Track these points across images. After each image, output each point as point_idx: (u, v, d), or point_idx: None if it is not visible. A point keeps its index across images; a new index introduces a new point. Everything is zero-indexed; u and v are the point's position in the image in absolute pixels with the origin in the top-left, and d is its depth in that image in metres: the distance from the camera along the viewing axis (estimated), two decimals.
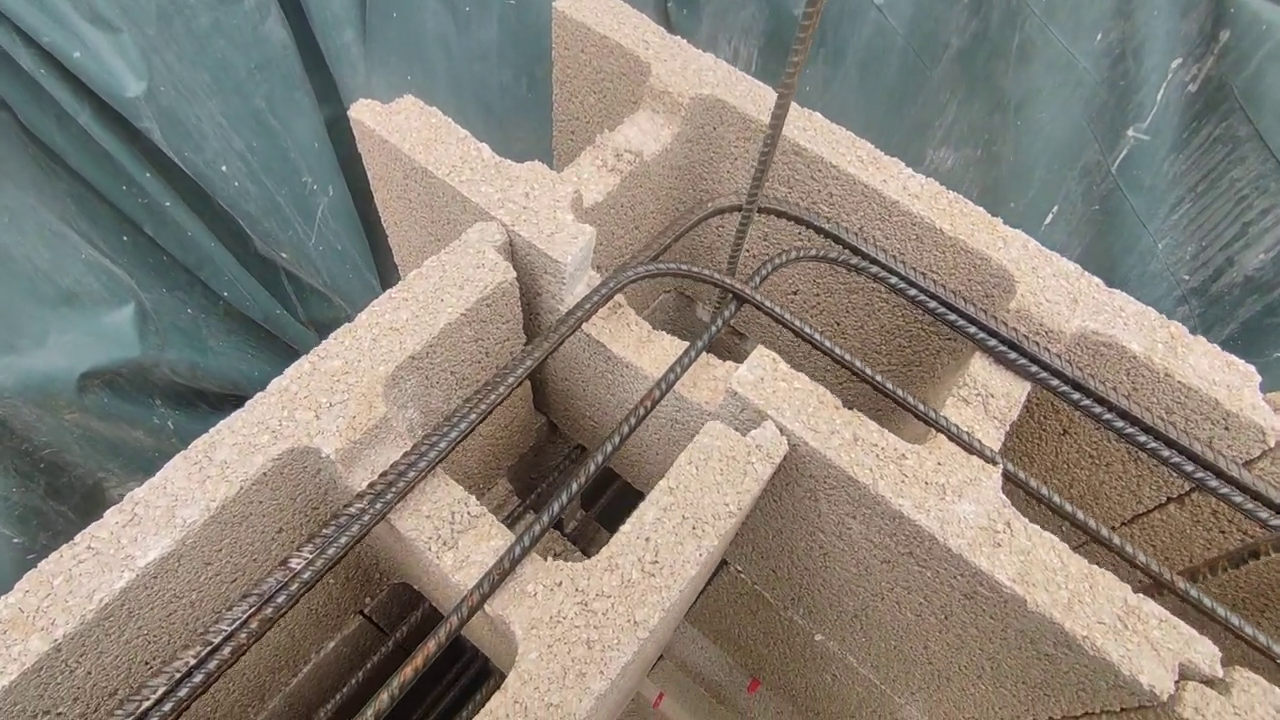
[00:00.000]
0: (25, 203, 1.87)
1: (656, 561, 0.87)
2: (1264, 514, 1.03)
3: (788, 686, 1.75)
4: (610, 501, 2.18)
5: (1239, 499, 1.03)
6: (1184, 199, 2.19)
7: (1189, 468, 1.06)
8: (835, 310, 1.49)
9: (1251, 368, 1.11)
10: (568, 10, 1.39)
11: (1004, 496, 0.96)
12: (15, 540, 2.09)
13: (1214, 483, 1.05)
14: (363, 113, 1.21)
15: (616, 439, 0.99)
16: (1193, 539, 1.27)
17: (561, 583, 0.86)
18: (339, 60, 2.29)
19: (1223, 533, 1.23)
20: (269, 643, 1.15)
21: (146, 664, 0.92)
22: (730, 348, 1.84)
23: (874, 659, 1.31)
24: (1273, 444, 1.07)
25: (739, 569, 1.43)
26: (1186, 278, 2.32)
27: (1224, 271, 2.24)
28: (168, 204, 2.10)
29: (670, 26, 2.65)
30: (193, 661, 0.81)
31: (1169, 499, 1.26)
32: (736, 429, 1.04)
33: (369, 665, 1.37)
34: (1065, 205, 2.32)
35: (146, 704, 0.78)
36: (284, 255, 2.39)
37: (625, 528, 0.90)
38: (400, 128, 1.19)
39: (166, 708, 0.78)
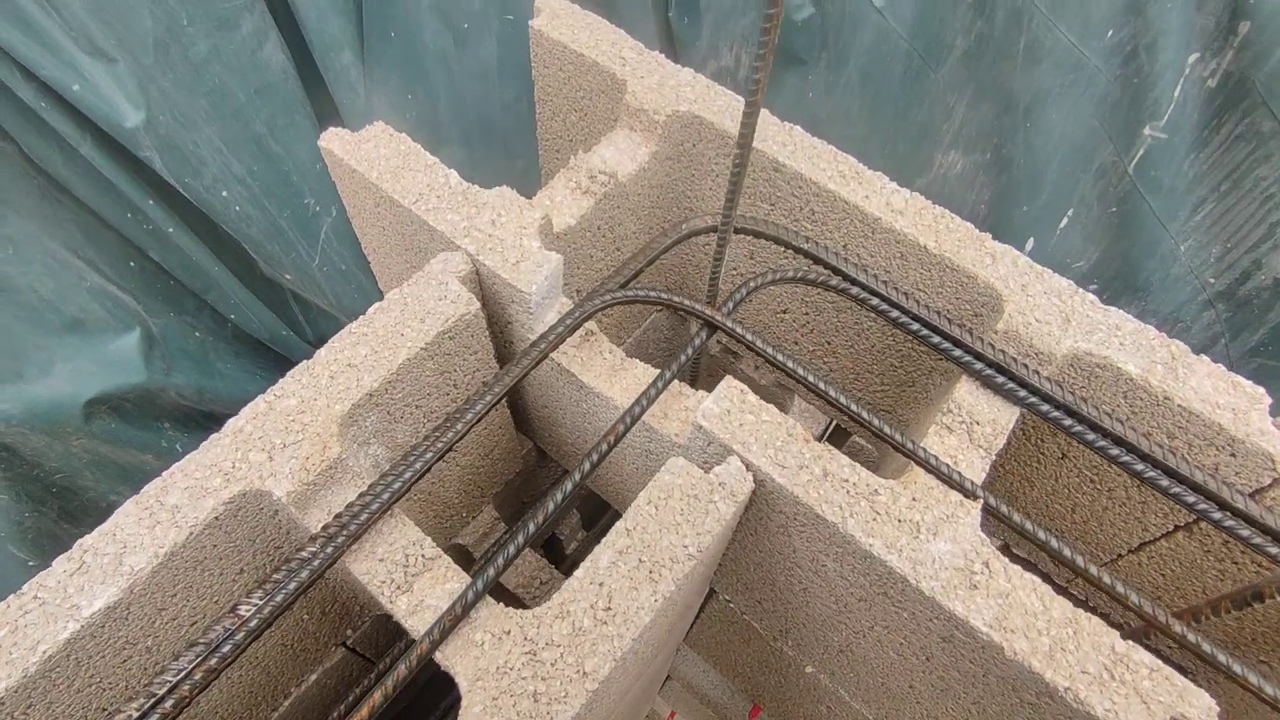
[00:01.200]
0: (29, 233, 1.91)
1: (610, 609, 0.84)
2: (1273, 549, 0.96)
3: (786, 715, 1.70)
4: (611, 522, 2.15)
5: (1245, 532, 0.97)
6: (1206, 199, 2.09)
7: (1190, 498, 0.99)
8: (825, 329, 1.44)
9: (1261, 390, 1.04)
10: (544, 28, 1.37)
11: (983, 535, 0.91)
12: (30, 564, 2.14)
13: (1217, 514, 0.98)
14: (332, 142, 1.20)
15: (578, 475, 0.96)
16: (1204, 569, 1.20)
17: (510, 630, 0.83)
18: (338, 82, 2.30)
19: (1235, 564, 1.15)
20: (241, 681, 1.14)
21: (103, 710, 0.92)
22: (727, 367, 1.80)
23: (864, 694, 1.26)
24: None
25: (727, 599, 1.39)
26: (1212, 281, 2.21)
27: (1251, 274, 2.14)
28: (171, 230, 2.13)
29: (672, 35, 2.62)
30: (135, 715, 0.80)
31: (1176, 527, 1.18)
32: (705, 463, 1.01)
33: (352, 696, 1.36)
34: (1081, 208, 2.23)
35: None
36: (288, 277, 2.41)
37: (579, 572, 0.86)
38: (368, 156, 1.18)
39: None
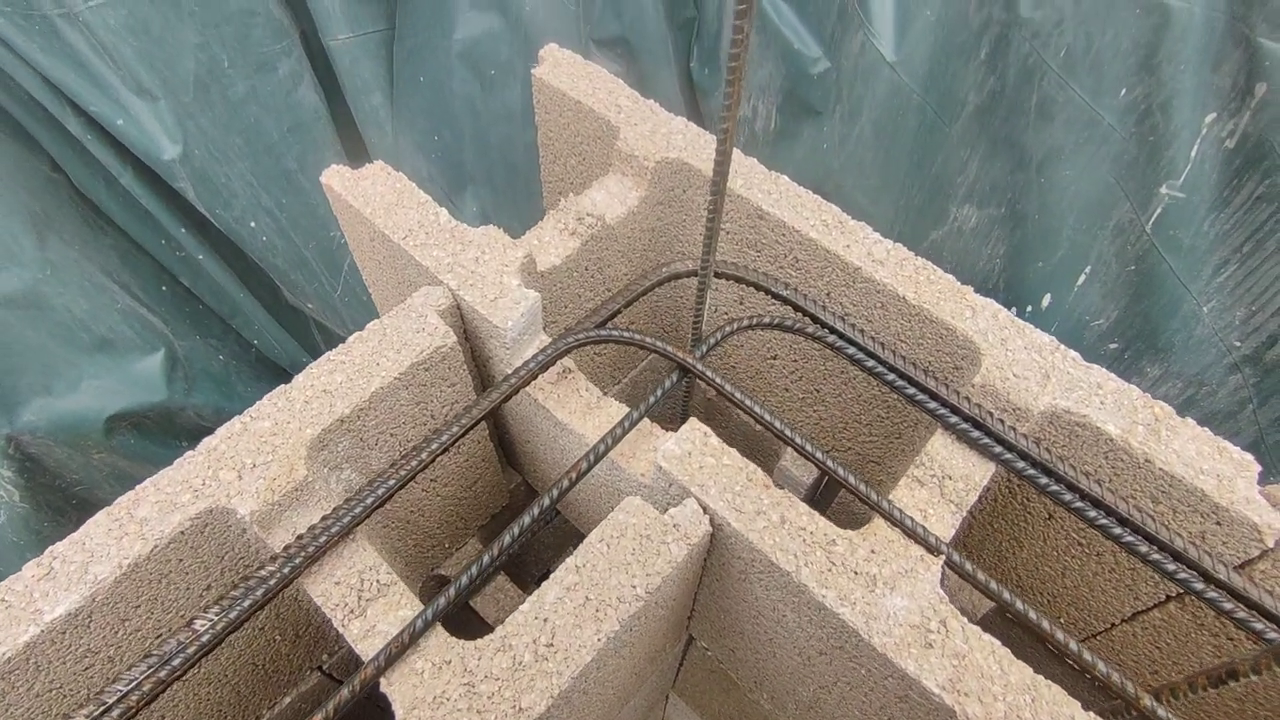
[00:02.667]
0: (70, 257, 2.02)
1: (551, 645, 0.84)
2: (1259, 625, 0.91)
3: None
4: None
5: (1229, 606, 0.92)
6: (1229, 260, 2.04)
7: (1170, 566, 0.95)
8: (814, 377, 1.44)
9: (1249, 456, 1.00)
10: (545, 77, 1.42)
11: (942, 592, 0.89)
12: None
13: (1199, 585, 0.94)
14: (332, 179, 1.26)
15: (536, 510, 0.97)
16: (1199, 644, 1.14)
17: (450, 661, 0.84)
18: (368, 123, 2.41)
19: (1230, 639, 1.10)
20: (210, 699, 1.15)
21: (64, 716, 0.94)
22: (723, 409, 1.80)
23: None
24: (1271, 544, 0.95)
25: (704, 646, 1.36)
26: (1238, 344, 2.14)
27: (1278, 339, 2.06)
28: (201, 257, 2.23)
29: (693, 86, 2.69)
30: None
31: (1168, 597, 1.13)
32: (667, 504, 1.01)
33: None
34: (1098, 265, 2.19)
35: None
36: (310, 306, 2.50)
37: (524, 606, 0.87)
38: (365, 193, 1.23)
39: None
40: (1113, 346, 2.32)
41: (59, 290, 2.01)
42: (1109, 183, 2.05)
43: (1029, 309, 2.34)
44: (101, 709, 0.82)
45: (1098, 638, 1.30)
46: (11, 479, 2.05)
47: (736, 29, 0.82)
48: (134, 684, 0.84)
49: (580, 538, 2.07)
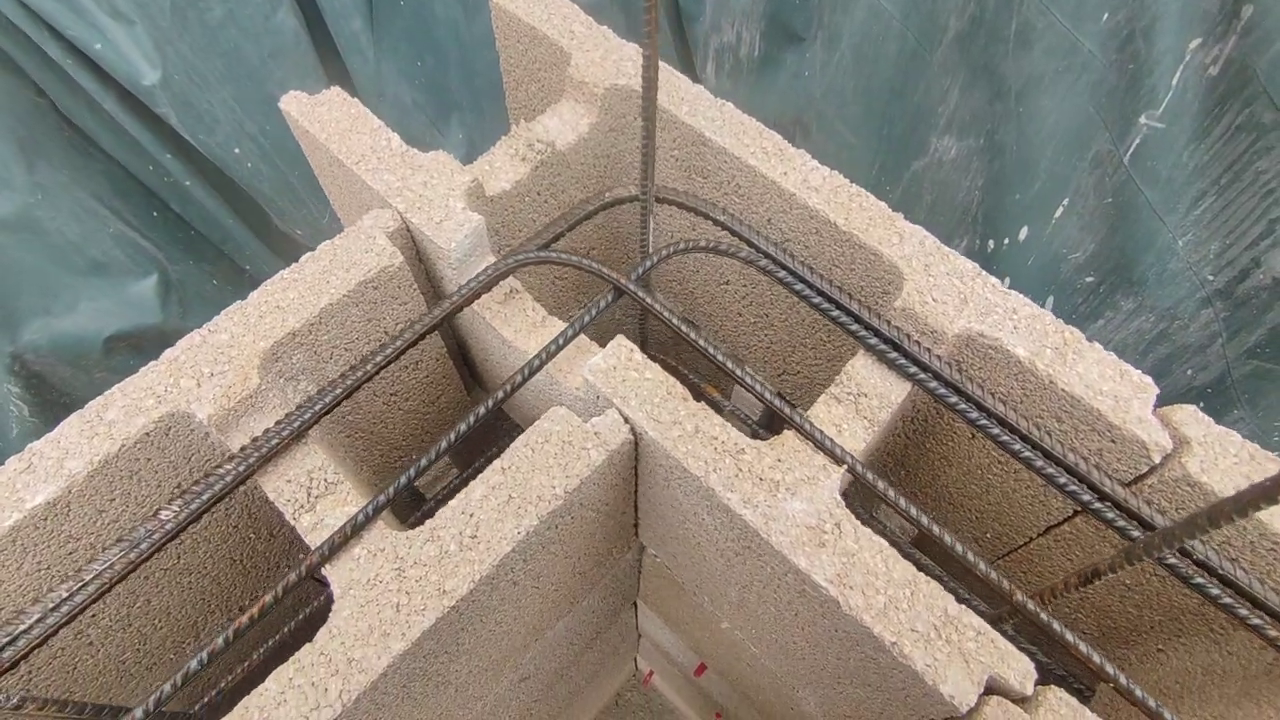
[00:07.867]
0: (59, 181, 2.08)
1: (475, 536, 0.92)
2: (1136, 533, 0.98)
3: (724, 671, 1.77)
4: None
5: (1111, 515, 0.99)
6: (1206, 193, 2.02)
7: (1062, 480, 1.02)
8: (763, 301, 1.49)
9: (1149, 379, 1.05)
10: (503, 3, 1.43)
11: (839, 497, 0.96)
12: None
13: (1087, 497, 1.00)
14: (290, 105, 1.29)
15: (471, 419, 1.05)
16: (1103, 553, 1.22)
17: (384, 549, 0.93)
18: (349, 49, 2.40)
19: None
20: (192, 587, 1.27)
21: (49, 589, 1.05)
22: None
23: (768, 650, 1.32)
24: (1158, 460, 1.01)
25: (653, 553, 1.46)
26: (1211, 278, 2.15)
27: (1250, 273, 2.06)
28: (189, 183, 2.28)
29: (679, 12, 2.64)
30: (64, 594, 0.92)
31: (1075, 511, 1.20)
32: (593, 415, 1.08)
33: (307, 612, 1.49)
34: (1076, 198, 2.18)
35: (21, 627, 0.91)
36: (299, 232, 2.56)
37: (453, 502, 0.95)
38: (321, 118, 1.27)
39: (34, 632, 0.90)
40: (1089, 280, 2.34)
41: (50, 214, 2.08)
42: (1088, 112, 2.02)
43: (1006, 241, 2.35)
44: (80, 585, 0.93)
45: (1019, 551, 1.38)
46: (20, 394, 2.17)
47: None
48: (108, 564, 0.94)
49: None
